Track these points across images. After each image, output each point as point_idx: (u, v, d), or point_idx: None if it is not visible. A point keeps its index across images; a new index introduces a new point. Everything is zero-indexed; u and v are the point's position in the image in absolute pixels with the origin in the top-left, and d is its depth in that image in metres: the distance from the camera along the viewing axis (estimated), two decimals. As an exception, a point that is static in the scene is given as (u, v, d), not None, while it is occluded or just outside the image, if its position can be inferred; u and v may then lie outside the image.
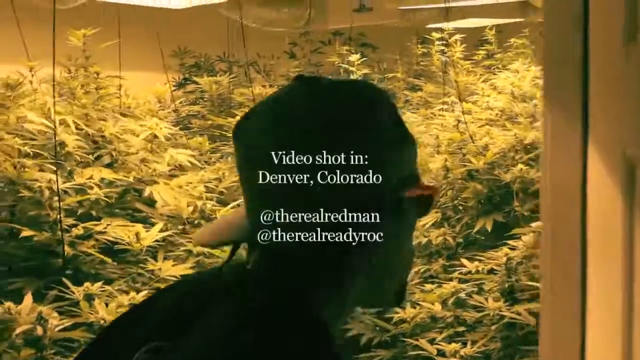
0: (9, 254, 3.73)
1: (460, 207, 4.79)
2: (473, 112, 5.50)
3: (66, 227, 3.62)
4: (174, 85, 7.73)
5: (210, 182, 4.46)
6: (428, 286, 4.14)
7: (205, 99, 7.34)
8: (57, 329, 2.78)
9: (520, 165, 4.55)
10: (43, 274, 3.54)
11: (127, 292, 3.44)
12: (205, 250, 3.81)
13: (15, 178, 3.71)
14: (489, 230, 4.53)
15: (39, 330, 2.68)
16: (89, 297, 3.15)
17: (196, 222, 3.96)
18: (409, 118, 6.38)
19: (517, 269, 3.81)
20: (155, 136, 4.05)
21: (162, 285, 3.66)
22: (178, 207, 3.94)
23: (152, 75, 8.30)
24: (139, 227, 3.63)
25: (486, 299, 3.77)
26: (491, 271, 3.93)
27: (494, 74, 7.10)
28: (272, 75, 7.97)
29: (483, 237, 4.64)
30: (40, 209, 3.67)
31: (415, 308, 4.00)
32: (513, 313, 3.63)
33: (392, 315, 3.97)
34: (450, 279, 4.46)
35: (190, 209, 3.95)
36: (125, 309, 3.17)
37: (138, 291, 3.34)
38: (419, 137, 5.80)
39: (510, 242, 4.09)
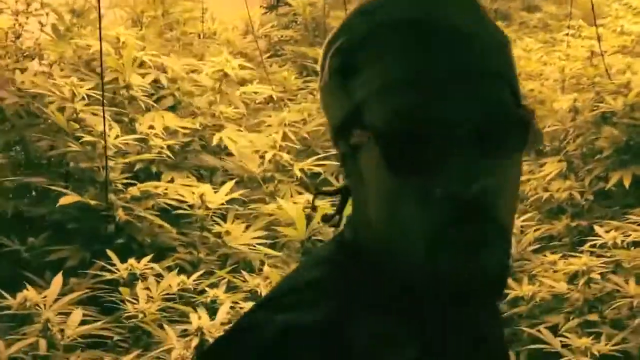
0: (58, 212, 3.19)
1: (591, 156, 3.96)
2: (604, 38, 4.57)
3: (121, 187, 3.04)
4: (265, 8, 7.03)
5: (292, 125, 3.80)
6: (550, 256, 3.38)
7: (298, 23, 6.63)
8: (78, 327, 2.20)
9: (670, 109, 3.69)
10: (91, 242, 2.98)
11: (182, 268, 2.84)
12: (277, 213, 3.15)
13: (64, 126, 3.14)
14: (627, 186, 3.71)
15: (42, 345, 2.09)
16: (133, 278, 2.56)
17: (269, 174, 3.30)
18: (528, 45, 5.50)
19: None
20: (226, 75, 3.37)
21: (229, 252, 3.05)
22: (251, 158, 3.30)
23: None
24: (205, 187, 3.00)
25: (626, 281, 3.00)
26: (634, 244, 3.14)
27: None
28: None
29: (618, 194, 3.83)
30: (93, 163, 3.10)
31: (534, 284, 3.27)
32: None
33: (507, 292, 3.25)
34: (577, 244, 3.69)
35: (264, 160, 3.29)
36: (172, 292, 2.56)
37: (194, 267, 2.74)
38: (540, 69, 4.93)
39: (657, 206, 3.29)
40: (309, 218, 2.67)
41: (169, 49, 3.74)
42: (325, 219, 0.88)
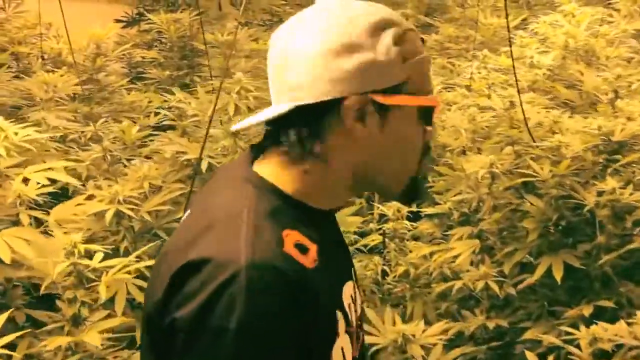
0: None
1: (511, 236, 3.07)
2: (511, 71, 3.66)
3: None
4: (124, 22, 5.90)
5: (128, 201, 2.73)
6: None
7: (163, 42, 5.53)
8: None
9: (610, 181, 2.81)
10: None
11: None
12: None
13: None
14: (558, 280, 2.83)
15: None
16: None
17: (71, 295, 2.22)
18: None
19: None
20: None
21: None
22: (43, 269, 2.23)
23: (101, 9, 6.51)
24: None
25: None
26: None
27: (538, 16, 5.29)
28: (250, 10, 6.10)
29: (546, 286, 2.94)
30: None
31: None
32: None
33: None
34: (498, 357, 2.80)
35: (63, 267, 2.21)
36: None
37: None
38: (442, 118, 4.01)
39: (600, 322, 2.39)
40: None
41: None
42: None
